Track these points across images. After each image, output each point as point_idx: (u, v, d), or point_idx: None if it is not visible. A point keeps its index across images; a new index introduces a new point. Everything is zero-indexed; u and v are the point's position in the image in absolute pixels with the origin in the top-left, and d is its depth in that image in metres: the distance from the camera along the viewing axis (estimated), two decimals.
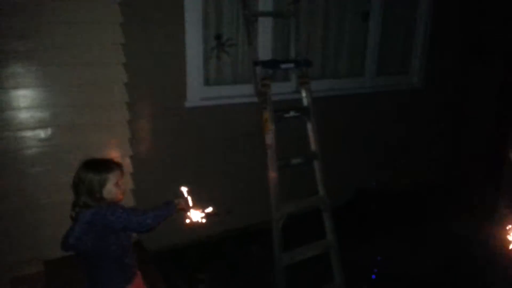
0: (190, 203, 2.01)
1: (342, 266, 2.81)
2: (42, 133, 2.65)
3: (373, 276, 2.61)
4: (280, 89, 3.51)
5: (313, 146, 2.88)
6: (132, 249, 1.95)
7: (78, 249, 1.83)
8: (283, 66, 2.87)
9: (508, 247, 1.91)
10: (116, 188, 1.85)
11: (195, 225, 2.04)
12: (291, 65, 2.89)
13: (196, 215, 2.02)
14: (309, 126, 2.87)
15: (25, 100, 2.60)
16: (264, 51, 3.50)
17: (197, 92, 3.33)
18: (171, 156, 3.27)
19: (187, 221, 2.03)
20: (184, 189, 2.02)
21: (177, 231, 3.27)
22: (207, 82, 3.45)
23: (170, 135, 3.25)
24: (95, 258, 1.86)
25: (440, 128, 4.66)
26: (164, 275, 2.68)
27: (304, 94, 2.89)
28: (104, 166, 1.87)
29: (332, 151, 3.03)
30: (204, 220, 2.03)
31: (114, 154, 2.77)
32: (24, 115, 2.62)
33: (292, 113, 2.82)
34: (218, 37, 3.44)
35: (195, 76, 3.29)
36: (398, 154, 4.44)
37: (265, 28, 3.49)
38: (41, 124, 2.65)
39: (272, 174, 2.66)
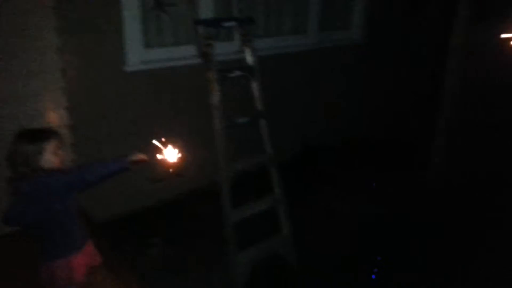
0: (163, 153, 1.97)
1: (289, 218, 2.95)
2: None
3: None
4: (223, 49, 3.47)
5: (258, 105, 2.92)
6: (79, 216, 1.94)
7: (23, 222, 1.79)
8: (226, 24, 2.83)
9: None
10: (54, 157, 1.80)
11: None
12: (234, 23, 2.86)
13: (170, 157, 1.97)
14: (254, 85, 2.90)
15: None
16: (206, 10, 3.42)
17: (137, 55, 3.21)
18: (113, 123, 3.18)
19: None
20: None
21: (126, 198, 3.29)
22: (147, 44, 3.33)
23: (110, 102, 3.14)
24: (42, 228, 1.83)
25: (381, 82, 4.85)
26: (114, 243, 2.68)
27: (248, 53, 2.89)
28: (40, 135, 1.80)
29: (277, 108, 3.10)
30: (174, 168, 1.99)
31: (50, 123, 2.66)
32: None
33: (236, 73, 2.82)
34: None
35: (134, 38, 3.16)
36: (340, 109, 4.60)
37: None
38: None
39: (219, 135, 2.69)
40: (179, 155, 2.00)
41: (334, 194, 3.74)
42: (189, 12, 3.40)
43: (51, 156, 1.78)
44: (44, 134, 1.82)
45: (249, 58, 2.90)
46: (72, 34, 2.78)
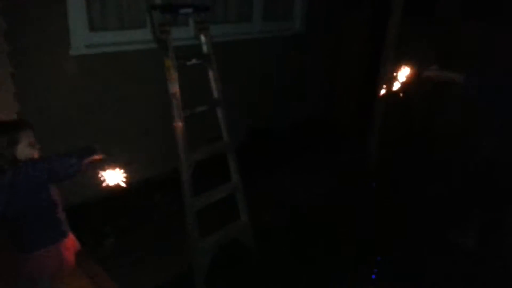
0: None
1: (246, 204, 3.02)
2: None
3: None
4: (178, 35, 3.39)
5: (215, 93, 2.92)
6: (61, 204, 1.88)
7: (8, 213, 1.69)
8: (182, 11, 2.77)
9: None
10: (30, 148, 1.73)
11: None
12: (190, 10, 2.81)
13: (113, 178, 1.90)
14: (211, 73, 2.89)
15: None
16: None
17: (81, 39, 3.06)
18: (61, 110, 3.00)
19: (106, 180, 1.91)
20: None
21: (80, 188, 3.12)
22: (92, 27, 3.16)
23: (58, 87, 2.96)
24: (26, 219, 1.76)
25: (322, 69, 5.07)
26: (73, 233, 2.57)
27: (203, 40, 2.86)
28: (12, 126, 1.74)
29: (226, 95, 3.11)
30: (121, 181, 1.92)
31: None
32: None
33: (194, 61, 2.79)
34: None
35: (78, 21, 3.00)
36: (284, 96, 4.74)
37: None
38: None
39: (178, 123, 2.65)
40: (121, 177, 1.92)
41: (281, 176, 3.95)
42: None
43: (26, 148, 1.72)
44: (16, 125, 1.76)
45: (205, 46, 2.88)
46: (17, 18, 2.58)
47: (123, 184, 1.92)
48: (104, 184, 1.89)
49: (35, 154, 1.77)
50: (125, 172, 1.92)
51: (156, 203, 3.43)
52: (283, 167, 4.12)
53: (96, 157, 1.86)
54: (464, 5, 4.14)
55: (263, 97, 4.52)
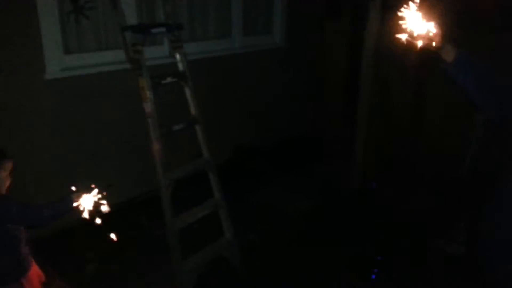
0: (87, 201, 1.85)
1: (230, 221, 2.98)
2: None
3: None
4: (153, 54, 3.40)
5: (193, 110, 2.91)
6: (24, 239, 1.81)
7: None
8: (154, 30, 2.78)
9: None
10: (6, 178, 1.70)
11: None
12: (163, 29, 2.81)
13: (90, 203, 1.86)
14: (187, 91, 2.88)
15: None
16: (129, 15, 3.32)
17: (56, 62, 3.04)
18: (37, 135, 2.97)
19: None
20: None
21: None
22: (67, 50, 3.15)
23: (33, 112, 2.93)
24: None
25: (304, 84, 5.08)
26: (52, 259, 2.51)
27: (178, 58, 2.86)
28: None
29: (207, 113, 3.10)
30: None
31: None
32: None
33: (169, 79, 2.78)
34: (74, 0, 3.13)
35: (52, 45, 2.99)
36: (267, 111, 4.73)
37: None
38: None
39: (156, 143, 2.63)
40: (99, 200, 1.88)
41: (266, 192, 3.92)
42: (113, 17, 3.28)
43: (5, 177, 1.69)
44: (2, 153, 1.71)
45: (180, 64, 2.88)
46: None
47: (104, 209, 1.87)
48: (84, 213, 1.83)
49: (6, 187, 1.73)
50: (108, 193, 1.88)
51: (141, 225, 3.37)
52: (269, 183, 4.06)
53: (75, 206, 1.81)
54: None
55: (246, 113, 4.51)
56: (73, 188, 1.84)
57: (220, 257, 2.91)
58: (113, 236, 1.96)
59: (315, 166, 4.42)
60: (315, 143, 4.82)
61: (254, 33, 4.64)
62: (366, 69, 3.85)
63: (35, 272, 1.90)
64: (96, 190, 1.87)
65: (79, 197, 1.81)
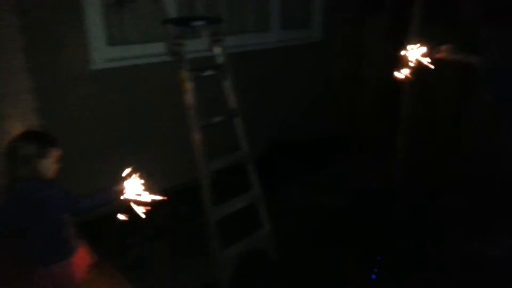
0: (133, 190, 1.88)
1: (268, 214, 2.99)
2: None
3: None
4: (193, 47, 3.43)
5: (231, 103, 2.93)
6: (70, 221, 1.89)
7: (7, 224, 1.72)
8: (194, 24, 2.82)
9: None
10: (53, 165, 1.77)
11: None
12: (203, 22, 2.85)
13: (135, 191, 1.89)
14: (226, 83, 2.90)
15: None
16: (170, 7, 3.38)
17: (101, 53, 3.14)
18: (82, 122, 3.09)
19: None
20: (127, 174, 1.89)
21: None
22: (111, 42, 3.25)
23: (79, 100, 3.05)
24: (32, 234, 1.79)
25: (339, 81, 5.00)
26: (97, 243, 2.61)
27: (218, 51, 2.89)
28: (47, 140, 1.77)
29: (243, 106, 3.12)
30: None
31: (18, 126, 2.53)
32: None
33: (208, 72, 2.82)
34: None
35: (97, 36, 3.09)
36: (302, 107, 4.69)
37: None
38: None
39: (196, 134, 2.67)
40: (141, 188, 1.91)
41: (298, 189, 3.89)
42: (154, 10, 3.35)
43: (51, 164, 1.75)
44: (51, 139, 1.78)
45: (219, 57, 2.90)
46: (38, 34, 2.69)
47: (147, 199, 1.90)
48: (128, 199, 1.88)
49: (54, 173, 1.80)
50: (150, 182, 1.93)
51: (181, 214, 3.44)
52: (301, 180, 4.03)
53: (117, 196, 1.86)
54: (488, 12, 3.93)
55: (283, 108, 4.49)
56: (121, 177, 1.88)
57: (257, 249, 2.92)
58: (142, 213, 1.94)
59: (348, 164, 4.36)
60: (349, 142, 4.74)
61: (292, 27, 4.61)
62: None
63: (81, 254, 1.97)
64: (140, 180, 1.91)
65: (120, 189, 1.85)
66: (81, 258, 1.95)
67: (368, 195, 3.85)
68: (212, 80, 2.87)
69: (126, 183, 1.87)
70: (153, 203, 1.94)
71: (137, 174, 1.91)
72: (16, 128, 1.87)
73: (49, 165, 1.76)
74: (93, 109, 3.14)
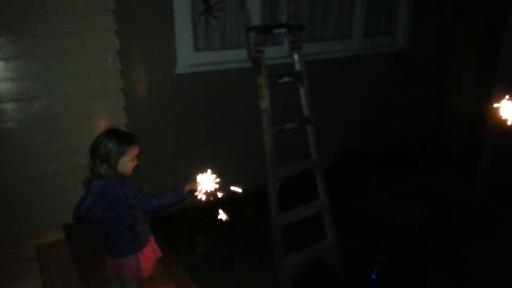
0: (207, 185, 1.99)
1: (334, 225, 2.94)
2: (35, 105, 2.62)
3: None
4: (272, 54, 3.50)
5: (306, 110, 2.93)
6: (144, 216, 2.00)
7: (89, 218, 1.88)
8: (276, 31, 2.86)
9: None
10: (131, 162, 1.89)
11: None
12: (284, 29, 2.88)
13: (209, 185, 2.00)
14: (302, 91, 2.91)
15: (16, 71, 2.56)
16: (253, 15, 3.47)
17: (187, 58, 3.30)
18: (164, 123, 3.28)
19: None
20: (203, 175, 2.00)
21: None
22: (197, 48, 3.42)
23: (162, 103, 3.24)
24: (107, 226, 1.92)
25: (425, 89, 4.76)
26: (166, 239, 2.76)
27: (296, 58, 2.90)
28: (127, 138, 1.90)
29: (319, 114, 3.11)
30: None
31: (109, 122, 2.76)
32: (15, 86, 2.58)
33: (285, 78, 2.84)
34: (205, 1, 3.37)
35: (184, 42, 3.25)
36: (379, 116, 4.54)
37: None
38: (34, 95, 2.62)
39: (268, 139, 2.71)
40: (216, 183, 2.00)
41: (370, 200, 3.75)
42: (238, 17, 3.47)
43: (128, 161, 1.87)
44: (131, 138, 1.91)
45: (298, 64, 2.92)
46: (129, 38, 2.90)
47: (219, 194, 2.00)
48: (200, 193, 1.98)
49: (131, 169, 1.92)
50: (221, 183, 2.03)
51: (246, 217, 3.52)
52: (376, 191, 3.89)
53: (194, 188, 1.97)
54: None
55: (358, 117, 4.39)
56: (195, 175, 1.98)
57: (320, 259, 2.89)
58: (223, 217, 2.09)
59: (426, 177, 4.08)
60: (435, 154, 4.47)
61: (375, 34, 4.48)
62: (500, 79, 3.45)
63: (151, 248, 2.07)
64: (213, 175, 2.00)
65: (191, 189, 1.95)
66: (149, 254, 2.04)
67: (446, 212, 3.60)
68: (286, 87, 2.90)
69: (200, 181, 1.98)
70: (223, 202, 2.03)
71: (213, 172, 2.00)
72: (104, 125, 2.03)
73: (127, 162, 1.87)
74: (174, 111, 3.32)
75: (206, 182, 1.99)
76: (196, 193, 2.00)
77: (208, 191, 2.00)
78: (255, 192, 3.37)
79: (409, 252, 3.12)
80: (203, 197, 2.01)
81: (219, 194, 2.02)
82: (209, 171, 2.00)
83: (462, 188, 3.80)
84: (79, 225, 2.12)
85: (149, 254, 2.03)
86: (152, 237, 2.09)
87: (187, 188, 1.96)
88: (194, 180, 1.99)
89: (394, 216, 3.54)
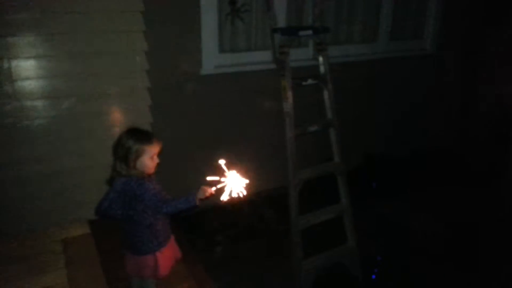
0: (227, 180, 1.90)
1: (354, 229, 2.92)
2: (65, 102, 2.70)
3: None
4: (297, 56, 3.50)
5: (329, 113, 2.92)
6: (164, 216, 2.02)
7: (109, 215, 1.93)
8: (301, 33, 2.86)
9: None
10: (150, 161, 1.90)
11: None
12: (310, 32, 2.88)
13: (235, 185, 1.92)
14: (326, 93, 2.90)
15: (47, 70, 2.64)
16: (279, 17, 3.47)
17: (212, 59, 3.33)
18: (188, 123, 3.32)
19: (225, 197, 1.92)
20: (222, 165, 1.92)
21: None
22: (222, 49, 3.45)
23: (187, 103, 3.29)
24: (127, 224, 1.96)
25: (449, 96, 4.66)
26: (187, 238, 2.80)
27: (321, 61, 2.89)
28: (145, 137, 1.91)
29: (343, 117, 3.09)
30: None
31: (135, 121, 2.81)
32: (45, 85, 2.67)
33: (309, 81, 2.84)
34: (232, 2, 3.40)
35: (210, 43, 3.29)
36: (404, 121, 4.47)
37: None
38: (63, 93, 2.70)
39: (290, 141, 2.72)
40: (241, 180, 1.92)
41: (392, 206, 3.68)
42: (263, 19, 3.48)
43: (147, 159, 1.89)
44: (149, 137, 1.92)
45: (322, 67, 2.91)
46: (157, 38, 2.94)
47: (242, 194, 1.91)
48: (225, 192, 1.90)
49: (152, 168, 1.93)
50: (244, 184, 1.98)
51: (266, 218, 3.53)
52: (398, 197, 3.79)
53: (208, 194, 1.89)
54: None
55: (382, 121, 4.33)
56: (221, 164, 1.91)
57: (340, 263, 2.88)
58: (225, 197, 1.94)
59: (452, 185, 3.98)
60: (460, 161, 4.36)
61: (402, 37, 4.42)
62: None
63: (171, 248, 2.08)
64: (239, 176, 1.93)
65: (205, 194, 1.89)
66: (168, 254, 2.05)
67: (473, 224, 3.50)
68: (310, 89, 2.89)
69: (226, 180, 1.90)
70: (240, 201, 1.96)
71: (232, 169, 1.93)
72: (130, 124, 2.06)
73: (146, 161, 1.88)
74: (199, 112, 3.36)
75: (233, 182, 1.91)
76: (221, 194, 1.92)
77: (233, 191, 1.92)
78: (279, 194, 3.38)
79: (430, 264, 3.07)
80: (226, 197, 1.92)
81: (242, 194, 1.93)
82: (234, 171, 1.93)
83: (486, 198, 3.70)
84: (104, 221, 2.17)
85: (168, 254, 2.05)
86: (172, 237, 2.11)
87: (200, 194, 1.89)
88: (209, 186, 1.91)
89: (412, 223, 3.48)
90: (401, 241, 3.27)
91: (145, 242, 1.96)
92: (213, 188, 1.91)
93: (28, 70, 2.60)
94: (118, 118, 2.82)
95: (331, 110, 2.91)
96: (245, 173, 2.00)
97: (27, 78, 2.61)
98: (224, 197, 1.91)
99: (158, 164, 1.98)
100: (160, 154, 1.97)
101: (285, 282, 2.81)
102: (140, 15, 2.76)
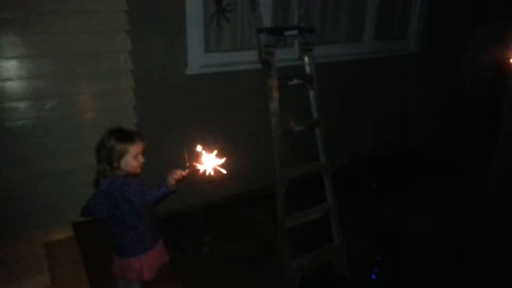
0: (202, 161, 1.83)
1: (341, 228, 2.94)
2: (48, 103, 2.66)
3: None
4: (283, 56, 3.49)
5: (315, 113, 2.94)
6: (150, 218, 2.00)
7: (95, 215, 1.91)
8: (287, 33, 2.88)
9: None
10: (134, 160, 1.88)
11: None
12: (295, 32, 2.89)
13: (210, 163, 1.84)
14: (312, 93, 2.92)
15: (29, 70, 2.59)
16: (264, 17, 3.47)
17: (197, 59, 3.30)
18: (172, 123, 3.30)
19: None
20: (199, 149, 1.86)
21: (181, 197, 3.40)
22: (207, 49, 3.43)
23: (172, 103, 3.26)
24: (113, 225, 1.94)
25: (438, 95, 4.72)
26: (173, 238, 2.78)
27: (307, 61, 2.92)
28: (127, 136, 1.90)
29: (329, 116, 3.11)
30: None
31: (119, 121, 2.78)
32: (28, 85, 2.62)
33: (295, 81, 2.86)
34: (218, 2, 3.39)
35: (195, 43, 3.26)
36: (389, 121, 4.51)
37: None
38: (46, 94, 2.66)
39: (276, 141, 2.72)
40: (219, 161, 1.85)
41: (378, 205, 3.72)
42: (249, 19, 3.48)
43: (131, 159, 1.88)
44: (131, 137, 1.91)
45: (308, 67, 2.93)
46: (141, 38, 2.91)
47: (223, 171, 1.85)
48: (201, 171, 1.83)
49: (137, 167, 1.91)
50: (226, 184, 1.96)
51: (252, 218, 3.53)
52: (382, 196, 3.85)
53: (180, 176, 1.84)
54: None
55: (368, 121, 4.36)
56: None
57: (327, 262, 2.89)
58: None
59: (438, 182, 4.07)
60: (445, 161, 4.43)
61: (387, 37, 4.46)
62: None
63: (157, 252, 2.06)
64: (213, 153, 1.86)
65: (174, 174, 1.82)
66: (154, 257, 2.03)
67: (458, 219, 3.57)
68: (295, 89, 2.90)
69: (179, 173, 1.85)
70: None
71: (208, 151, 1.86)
72: (114, 124, 2.03)
73: (130, 160, 1.87)
74: (184, 112, 3.33)
75: (209, 162, 1.83)
76: (198, 171, 1.85)
77: (211, 168, 1.84)
78: (264, 194, 3.39)
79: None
80: (211, 172, 1.84)
81: (223, 171, 1.86)
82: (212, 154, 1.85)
83: (473, 195, 3.76)
84: (89, 223, 2.14)
85: (154, 258, 2.03)
86: (161, 240, 2.10)
87: (171, 177, 1.82)
88: (182, 166, 1.84)
89: (398, 220, 3.50)
90: (397, 240, 3.31)
91: (130, 245, 1.95)
92: (186, 170, 1.84)
93: (9, 70, 2.54)
94: (102, 119, 2.78)
95: (317, 110, 2.93)
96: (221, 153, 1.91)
97: (9, 79, 2.55)
98: (201, 171, 1.84)
99: (143, 164, 1.96)
100: (145, 153, 1.95)
101: (273, 282, 2.81)
102: (124, 14, 2.72)
